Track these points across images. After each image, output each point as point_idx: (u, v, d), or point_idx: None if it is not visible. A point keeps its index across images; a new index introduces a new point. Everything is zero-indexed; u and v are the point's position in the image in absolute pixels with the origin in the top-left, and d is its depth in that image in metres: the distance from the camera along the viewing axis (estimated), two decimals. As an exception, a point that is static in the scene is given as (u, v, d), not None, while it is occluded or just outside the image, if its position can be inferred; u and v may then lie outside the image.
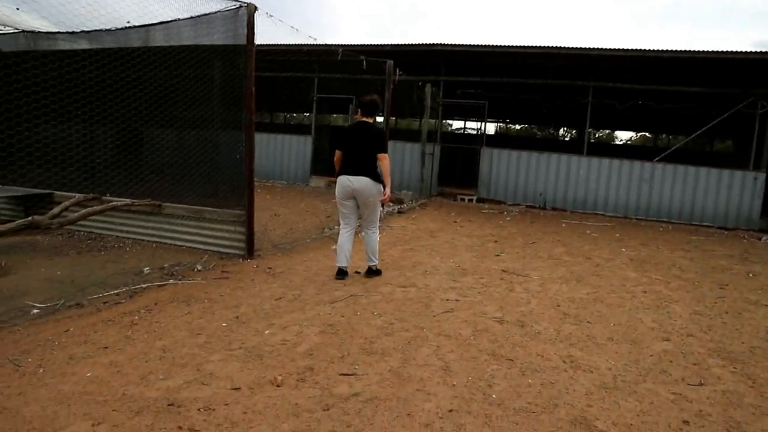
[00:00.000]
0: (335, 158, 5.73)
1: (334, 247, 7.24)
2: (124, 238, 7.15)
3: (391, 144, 14.53)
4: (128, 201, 6.89)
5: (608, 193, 13.04)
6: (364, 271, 6.01)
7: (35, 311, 4.35)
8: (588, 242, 8.97)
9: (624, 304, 5.45)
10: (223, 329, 4.15)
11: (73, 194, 7.31)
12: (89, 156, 7.61)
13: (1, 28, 7.78)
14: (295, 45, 14.31)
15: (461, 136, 22.65)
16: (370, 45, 13.74)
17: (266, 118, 25.52)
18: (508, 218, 11.18)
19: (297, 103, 16.98)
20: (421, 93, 13.36)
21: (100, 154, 7.67)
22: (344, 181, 5.57)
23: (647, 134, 45.26)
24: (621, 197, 12.94)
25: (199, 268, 5.81)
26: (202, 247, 6.75)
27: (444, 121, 32.93)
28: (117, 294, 4.86)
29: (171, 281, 5.31)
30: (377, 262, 5.94)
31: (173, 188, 6.95)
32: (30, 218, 6.10)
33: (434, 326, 4.43)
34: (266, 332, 4.13)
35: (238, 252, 6.52)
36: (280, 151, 16.08)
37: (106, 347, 3.74)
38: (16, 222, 5.99)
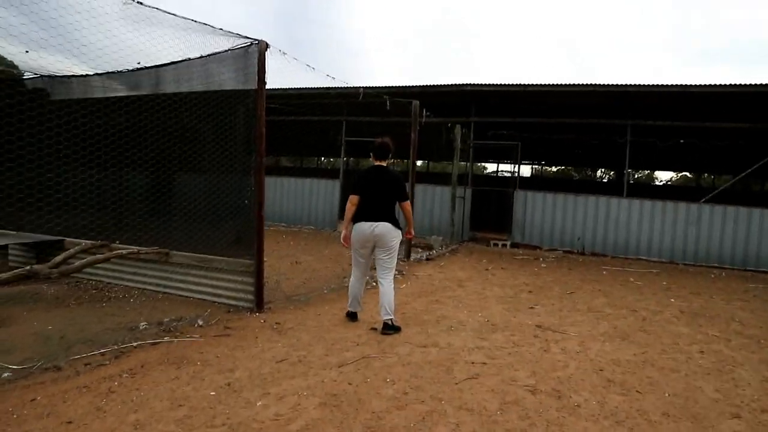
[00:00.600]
0: (349, 203, 5.53)
1: (352, 298, 6.73)
2: (131, 287, 6.77)
3: (420, 188, 14.09)
4: (134, 249, 6.52)
5: (651, 236, 12.19)
6: (380, 327, 5.44)
7: (6, 374, 3.90)
8: (632, 292, 8.19)
9: (679, 367, 4.71)
10: (210, 399, 3.61)
11: (82, 241, 7.03)
12: (99, 202, 7.32)
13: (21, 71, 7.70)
14: (317, 88, 14.17)
15: (494, 179, 22.08)
16: (397, 87, 13.46)
17: (297, 162, 25.53)
18: (543, 265, 10.46)
19: (326, 147, 16.76)
20: (451, 134, 12.93)
21: (110, 200, 7.38)
22: (364, 228, 5.42)
23: (688, 174, 43.87)
24: (666, 241, 12.08)
25: (200, 323, 5.32)
26: (209, 298, 6.29)
27: (477, 164, 32.51)
28: (102, 354, 4.39)
29: (166, 338, 4.83)
30: (393, 317, 5.43)
31: (181, 236, 6.56)
32: (28, 267, 5.76)
33: (455, 397, 3.80)
34: (258, 404, 3.57)
35: (246, 305, 6.03)
36: (308, 195, 15.78)
37: (69, 422, 3.24)
38: (13, 272, 5.65)
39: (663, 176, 46.29)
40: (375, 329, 5.44)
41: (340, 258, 10.06)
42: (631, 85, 11.42)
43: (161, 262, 6.64)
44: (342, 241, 5.64)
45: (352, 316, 5.79)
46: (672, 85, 11.12)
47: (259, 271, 5.95)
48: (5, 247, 7.23)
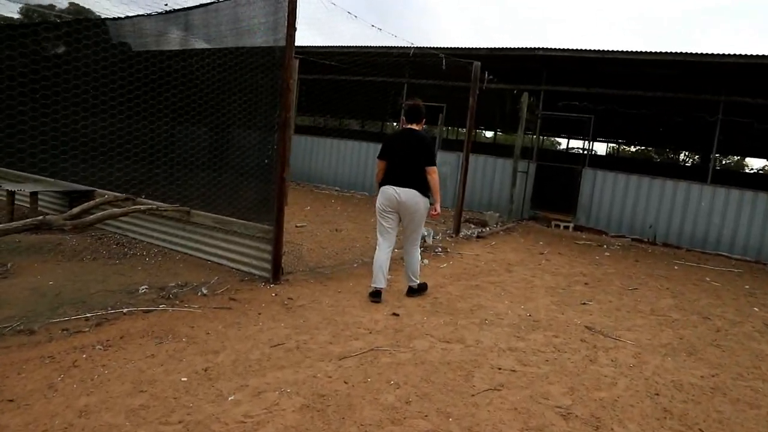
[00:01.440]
0: (377, 168, 5.41)
1: (382, 275, 6.12)
2: (153, 245, 6.42)
3: (479, 159, 13.19)
4: (153, 205, 6.13)
5: (736, 230, 10.83)
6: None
7: (-28, 336, 3.55)
8: (707, 294, 7.14)
9: (759, 401, 3.82)
10: (177, 387, 3.11)
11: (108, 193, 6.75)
12: (127, 154, 6.98)
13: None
14: (379, 47, 13.39)
15: (563, 155, 20.70)
16: (463, 48, 12.49)
17: (355, 125, 24.96)
18: (606, 253, 9.44)
19: (386, 111, 16.06)
20: (518, 103, 11.90)
21: (141, 153, 7.03)
22: (389, 192, 5.18)
23: None
24: (753, 237, 10.70)
25: (205, 291, 4.86)
26: (227, 263, 5.84)
27: (547, 138, 30.73)
28: (86, 319, 3.98)
29: (161, 306, 4.39)
30: (418, 281, 5.52)
31: (204, 194, 6.12)
32: (41, 217, 5.46)
33: (467, 413, 3.13)
34: (230, 398, 3.03)
35: (262, 274, 5.53)
36: (364, 160, 15.18)
37: (11, 401, 2.81)
38: (24, 221, 5.36)
39: (755, 164, 42.64)
40: (396, 315, 4.81)
41: (383, 229, 9.44)
42: (727, 55, 9.99)
43: (183, 221, 6.24)
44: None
45: (375, 296, 5.22)
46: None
47: (277, 239, 5.41)
48: (36, 193, 7.05)
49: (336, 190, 15.04)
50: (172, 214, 6.27)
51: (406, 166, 5.12)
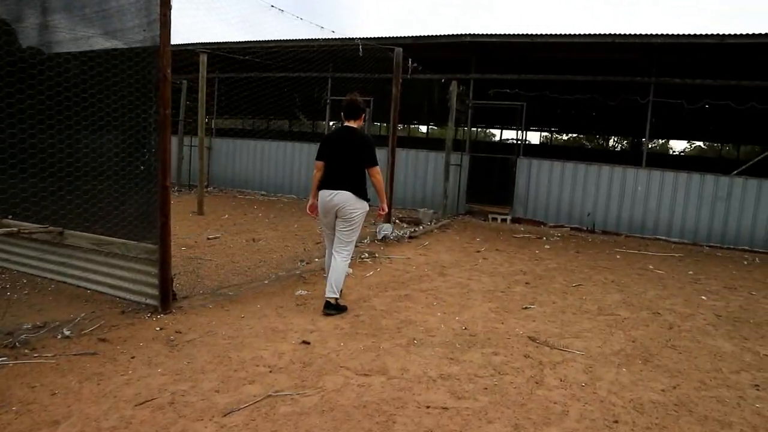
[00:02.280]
0: (315, 170, 5.01)
1: (298, 292, 5.34)
2: (24, 273, 5.37)
3: (410, 154, 12.56)
4: (14, 228, 5.08)
5: (673, 214, 10.63)
6: (323, 306, 4.80)
7: None
8: (653, 284, 6.70)
9: (729, 416, 3.25)
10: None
11: (-36, 215, 5.61)
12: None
13: None
14: (299, 40, 12.57)
15: (496, 146, 20.42)
16: (387, 38, 11.79)
17: (283, 126, 23.93)
18: (546, 246, 8.95)
19: (312, 108, 15.20)
20: (447, 93, 11.30)
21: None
22: (324, 196, 4.87)
23: (703, 145, 41.49)
24: (689, 220, 10.52)
25: (67, 333, 3.90)
26: (109, 291, 4.87)
27: (481, 131, 30.60)
28: None
29: (1, 360, 3.43)
30: (338, 295, 4.87)
31: (79, 210, 5.12)
32: None
33: (382, 485, 2.37)
34: (52, 501, 2.16)
35: (150, 302, 4.61)
36: (290, 161, 14.28)
37: None
38: None
39: (677, 146, 44.22)
40: (307, 343, 4.02)
41: (308, 234, 8.62)
42: (657, 35, 9.72)
43: (56, 244, 5.22)
44: (308, 210, 5.19)
45: (329, 307, 4.80)
46: (705, 35, 9.41)
47: (164, 260, 4.51)
48: None
49: (261, 195, 14.07)
50: (42, 236, 5.24)
51: (344, 166, 4.82)
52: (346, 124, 4.98)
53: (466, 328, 4.58)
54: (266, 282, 5.62)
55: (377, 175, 4.91)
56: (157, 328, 4.15)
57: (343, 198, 4.77)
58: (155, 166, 4.47)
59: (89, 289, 5.00)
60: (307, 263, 6.53)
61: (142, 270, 4.67)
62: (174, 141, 15.58)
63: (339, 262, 4.85)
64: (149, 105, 4.48)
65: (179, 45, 13.26)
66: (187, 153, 15.20)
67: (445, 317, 4.86)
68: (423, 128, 28.72)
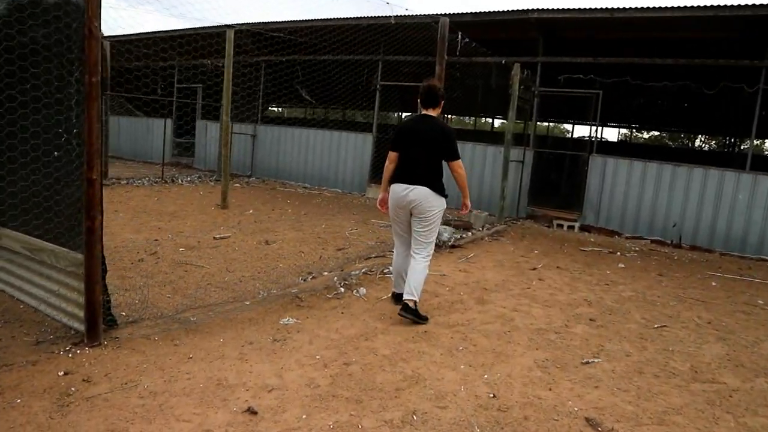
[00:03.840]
0: (387, 161, 4.59)
1: (284, 320, 4.13)
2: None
3: (464, 146, 11.10)
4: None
5: (783, 229, 8.67)
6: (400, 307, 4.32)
7: None
8: (767, 330, 5.02)
9: None
10: None
11: None
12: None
13: None
14: (345, 18, 11.39)
15: (565, 142, 18.47)
16: (441, 15, 10.34)
17: (326, 114, 22.82)
18: (621, 265, 7.31)
19: (360, 94, 13.98)
20: (504, 77, 9.77)
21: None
22: (398, 190, 4.44)
23: None
24: (805, 237, 8.53)
25: (-75, 379, 2.84)
26: (44, 309, 3.83)
27: (550, 124, 28.29)
28: None
29: None
30: (417, 298, 4.31)
31: (12, 204, 4.09)
32: None
33: None
34: None
35: (76, 326, 3.52)
36: (335, 151, 13.12)
37: None
38: None
39: (752, 145, 39.93)
40: (254, 412, 2.77)
41: (332, 238, 7.39)
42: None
43: (-7, 244, 4.23)
44: (378, 204, 4.80)
45: (396, 298, 4.67)
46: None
47: (90, 276, 3.38)
48: None
49: (304, 188, 13.00)
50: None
51: (420, 159, 4.40)
52: (423, 112, 4.58)
53: (495, 396, 3.20)
54: (248, 303, 4.42)
55: (460, 169, 4.48)
56: (61, 373, 3.02)
57: (420, 194, 4.34)
58: (76, 152, 3.33)
59: (24, 303, 3.98)
60: (313, 277, 5.29)
61: (72, 286, 3.58)
62: (214, 127, 14.81)
63: (418, 263, 4.38)
64: (71, 71, 3.34)
65: (213, 27, 12.40)
66: (234, 140, 14.37)
67: (469, 373, 3.49)
68: (497, 122, 26.77)
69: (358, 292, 4.94)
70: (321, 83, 12.79)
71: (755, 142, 25.59)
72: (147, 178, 11.91)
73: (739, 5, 8.07)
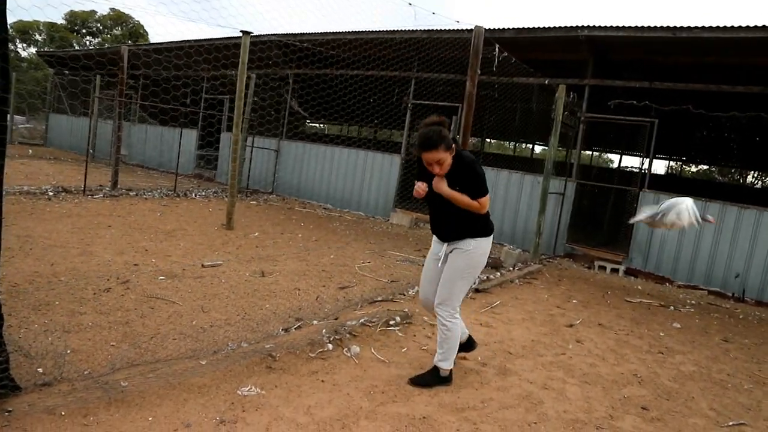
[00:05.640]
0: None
1: (243, 390, 3.21)
2: None
3: (499, 174, 10.14)
4: None
5: None
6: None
7: None
8: None
9: None
10: None
11: None
12: None
13: None
14: (375, 31, 10.64)
15: (611, 174, 17.20)
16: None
17: (362, 133, 22.07)
18: (676, 325, 6.16)
19: (390, 113, 13.16)
20: (547, 100, 8.77)
21: None
22: (435, 242, 3.80)
23: None
24: None
25: None
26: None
27: (595, 153, 26.76)
28: None
29: None
30: (442, 360, 3.61)
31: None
32: None
33: None
34: None
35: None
36: (361, 172, 12.27)
37: None
38: None
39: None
40: None
41: (338, 272, 6.48)
42: None
43: None
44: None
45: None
46: None
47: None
48: None
49: (324, 209, 12.17)
50: None
51: (443, 205, 3.62)
52: None
53: None
54: (204, 363, 3.51)
55: (486, 203, 3.65)
56: None
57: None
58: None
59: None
60: (298, 327, 4.36)
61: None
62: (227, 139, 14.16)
63: (440, 318, 3.65)
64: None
65: (225, 38, 11.72)
66: (256, 155, 13.71)
67: (475, 497, 2.49)
68: (537, 149, 25.41)
69: (349, 350, 3.99)
70: (351, 100, 12.00)
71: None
72: (159, 190, 11.27)
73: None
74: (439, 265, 3.65)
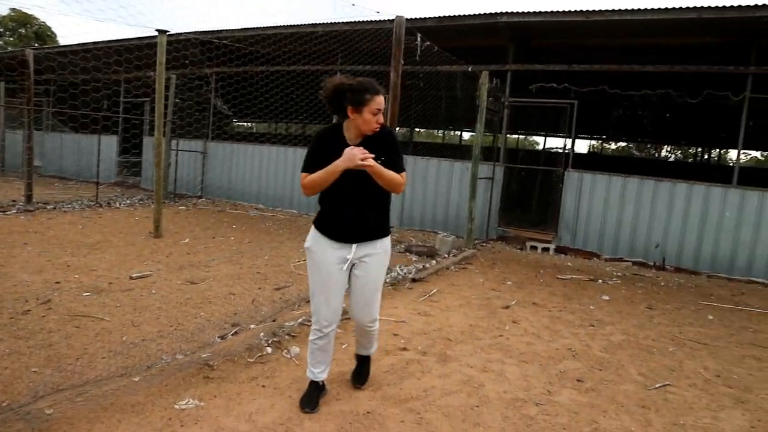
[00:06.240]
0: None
1: (181, 403, 3.12)
2: None
3: (429, 162, 10.25)
4: None
5: (774, 248, 7.97)
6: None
7: None
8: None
9: None
10: None
11: None
12: None
13: None
14: (295, 25, 10.50)
15: (538, 156, 17.76)
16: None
17: (281, 129, 21.84)
18: (605, 297, 6.45)
19: (317, 108, 13.03)
20: (472, 87, 8.93)
21: None
22: (332, 246, 3.03)
23: (760, 156, 36.86)
24: (798, 257, 7.83)
25: None
26: None
27: (520, 137, 27.59)
28: None
29: None
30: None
31: None
32: None
33: None
34: None
35: None
36: (291, 170, 12.11)
37: None
38: None
39: (735, 156, 39.92)
40: None
41: (273, 273, 6.37)
42: (765, 6, 7.13)
43: None
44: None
45: None
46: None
47: None
48: None
49: (256, 210, 11.94)
50: None
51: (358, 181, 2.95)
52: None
53: None
54: (137, 379, 3.37)
55: (404, 181, 3.11)
56: None
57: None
58: None
59: None
60: (234, 333, 4.26)
61: None
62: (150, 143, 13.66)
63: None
64: None
65: (140, 38, 11.27)
66: (182, 158, 13.25)
67: (422, 487, 2.51)
68: (465, 135, 25.84)
69: (289, 352, 3.93)
70: (275, 96, 11.79)
71: (727, 152, 25.24)
72: (80, 202, 10.71)
73: (723, 6, 7.40)
74: (347, 272, 3.05)
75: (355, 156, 2.76)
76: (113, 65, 13.63)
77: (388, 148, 2.93)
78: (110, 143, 14.86)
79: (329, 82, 2.97)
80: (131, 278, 5.72)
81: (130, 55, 11.97)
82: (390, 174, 2.87)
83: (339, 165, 2.79)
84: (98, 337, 4.07)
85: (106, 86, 14.66)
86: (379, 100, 2.85)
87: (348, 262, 2.98)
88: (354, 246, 2.98)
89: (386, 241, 3.11)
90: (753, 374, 4.26)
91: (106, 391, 3.18)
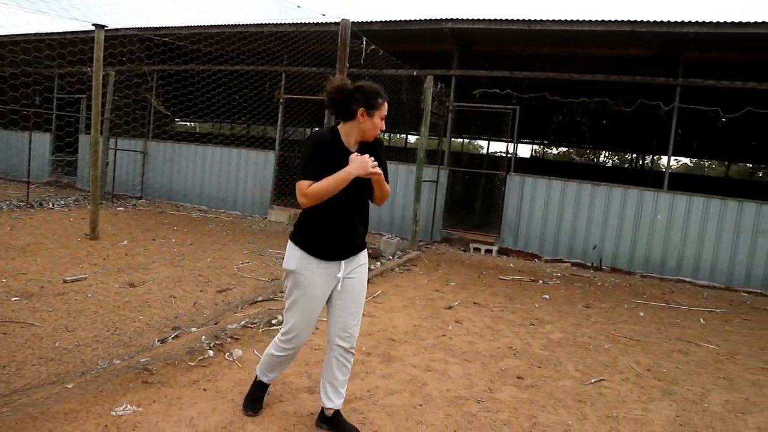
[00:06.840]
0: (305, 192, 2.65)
1: (118, 410, 3.01)
2: None
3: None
4: None
5: (701, 249, 8.42)
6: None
7: None
8: (710, 376, 4.42)
9: None
10: None
11: None
12: None
13: None
14: (242, 25, 10.36)
15: (481, 159, 18.15)
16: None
17: (225, 130, 21.52)
18: (545, 296, 6.66)
19: (261, 109, 12.88)
20: (417, 91, 9.04)
21: None
22: (320, 266, 2.79)
23: (689, 162, 38.82)
24: (722, 258, 8.31)
25: None
26: None
27: (466, 141, 28.12)
28: None
29: None
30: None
31: None
32: None
33: None
34: None
35: None
36: (235, 170, 11.91)
37: None
38: None
39: (667, 163, 41.99)
40: None
41: (215, 275, 6.25)
42: (690, 23, 7.53)
43: None
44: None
45: None
46: (754, 23, 7.25)
47: None
48: None
49: (199, 211, 11.68)
50: None
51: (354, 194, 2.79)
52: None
53: None
54: (70, 386, 3.24)
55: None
56: None
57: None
58: None
59: None
60: (175, 336, 4.15)
61: None
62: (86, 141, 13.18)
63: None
64: None
65: (76, 32, 10.88)
66: (121, 158, 12.80)
67: (365, 486, 2.53)
68: (411, 138, 26.08)
69: (231, 355, 3.87)
70: (218, 96, 11.57)
71: (660, 159, 26.52)
72: (8, 202, 10.18)
73: (654, 21, 7.80)
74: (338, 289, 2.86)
75: (367, 163, 2.59)
76: (45, 60, 13.01)
77: (378, 154, 2.78)
78: (43, 141, 14.21)
79: (332, 82, 2.79)
80: (65, 282, 5.48)
81: (64, 50, 11.48)
82: (385, 184, 2.77)
83: (352, 172, 2.59)
84: (28, 344, 3.88)
85: (37, 81, 14.02)
86: (386, 106, 2.76)
87: (339, 281, 2.81)
88: (343, 263, 2.81)
89: (367, 252, 3.02)
90: (680, 367, 4.49)
91: (36, 400, 3.04)
